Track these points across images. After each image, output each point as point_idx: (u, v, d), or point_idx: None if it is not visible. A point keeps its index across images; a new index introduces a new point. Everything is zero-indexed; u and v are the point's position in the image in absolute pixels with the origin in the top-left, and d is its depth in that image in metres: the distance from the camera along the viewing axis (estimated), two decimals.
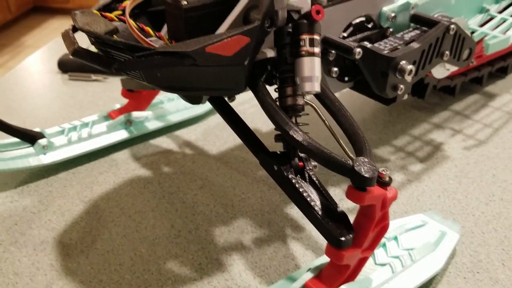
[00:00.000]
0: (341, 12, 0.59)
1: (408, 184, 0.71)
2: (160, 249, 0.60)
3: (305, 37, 0.49)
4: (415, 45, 0.60)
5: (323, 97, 0.54)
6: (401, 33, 0.64)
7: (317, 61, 0.49)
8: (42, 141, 0.71)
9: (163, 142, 0.81)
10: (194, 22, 0.52)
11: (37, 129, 0.73)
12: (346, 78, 0.64)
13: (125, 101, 0.84)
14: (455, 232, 0.57)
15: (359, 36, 0.62)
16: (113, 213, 0.66)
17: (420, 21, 0.65)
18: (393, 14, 0.63)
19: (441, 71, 0.70)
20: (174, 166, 0.75)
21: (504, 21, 0.76)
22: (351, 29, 0.61)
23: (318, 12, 0.48)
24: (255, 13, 0.50)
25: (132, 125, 0.79)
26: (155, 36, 0.53)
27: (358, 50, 0.55)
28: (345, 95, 0.94)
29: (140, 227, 0.63)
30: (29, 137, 0.72)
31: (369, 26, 0.63)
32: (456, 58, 0.66)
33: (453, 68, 0.70)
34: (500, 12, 0.78)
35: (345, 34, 0.61)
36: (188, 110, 0.86)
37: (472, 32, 0.75)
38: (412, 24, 0.66)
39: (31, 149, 0.72)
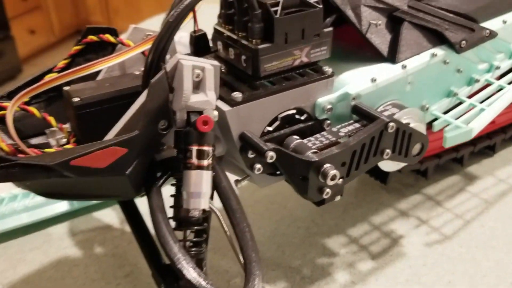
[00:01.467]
0: (264, 107, 0.54)
1: (350, 287, 0.64)
2: None
3: (193, 148, 0.45)
4: (345, 145, 0.54)
5: (225, 205, 0.49)
6: (339, 126, 0.59)
7: (205, 175, 0.45)
8: None
9: (107, 215, 0.78)
10: (88, 119, 0.49)
11: None
12: (278, 171, 0.59)
13: None
14: None
15: (288, 129, 0.57)
16: None
17: (360, 114, 0.59)
18: (329, 106, 0.58)
19: (391, 164, 0.64)
20: (107, 246, 0.71)
21: (473, 108, 0.68)
22: (277, 122, 0.56)
23: (205, 123, 0.43)
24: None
25: None
26: (57, 127, 0.50)
27: (271, 154, 0.50)
28: None
29: None
30: None
31: (302, 118, 0.58)
32: (402, 155, 0.60)
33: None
34: (471, 96, 0.71)
35: (270, 128, 0.56)
36: None
37: (435, 119, 0.68)
38: (354, 116, 0.61)
39: None
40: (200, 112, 0.48)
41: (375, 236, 0.72)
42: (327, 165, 0.53)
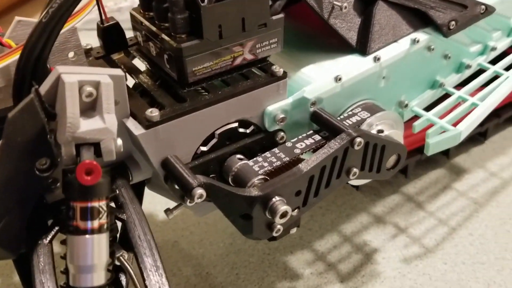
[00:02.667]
0: (193, 124, 0.42)
1: None
2: None
3: (76, 205, 0.33)
4: (299, 170, 0.42)
5: (139, 266, 0.38)
6: (294, 140, 0.46)
7: (96, 241, 0.33)
8: None
9: None
10: None
11: None
12: None
13: None
14: None
15: (229, 148, 0.45)
16: None
17: (320, 123, 0.47)
18: (282, 116, 0.46)
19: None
20: None
21: (462, 102, 0.57)
22: (214, 140, 0.44)
23: (88, 173, 0.31)
24: None
25: None
26: None
27: (199, 192, 0.38)
28: None
29: None
30: None
31: (247, 131, 0.46)
32: (374, 171, 0.48)
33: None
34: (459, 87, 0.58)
35: (204, 148, 0.44)
36: None
37: (414, 117, 0.56)
38: (314, 124, 0.49)
39: None
40: (95, 144, 0.35)
41: (346, 251, 0.62)
42: (276, 199, 0.41)
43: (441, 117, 0.54)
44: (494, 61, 0.61)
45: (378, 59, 0.49)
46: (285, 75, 0.45)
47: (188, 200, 0.39)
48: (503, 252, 0.61)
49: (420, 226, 0.65)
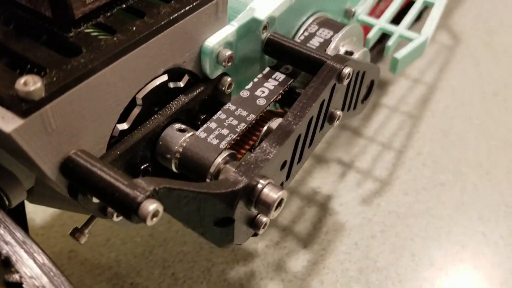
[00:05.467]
0: (100, 91, 0.24)
1: None
2: None
3: None
4: (286, 132, 0.28)
5: None
6: (250, 86, 0.31)
7: None
8: None
9: None
10: None
11: None
12: None
13: None
14: None
15: (162, 116, 0.28)
16: None
17: (280, 54, 0.32)
18: (228, 53, 0.29)
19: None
20: None
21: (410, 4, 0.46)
22: (137, 110, 0.27)
23: None
24: None
25: None
26: None
27: (153, 207, 0.21)
28: None
29: None
30: None
31: (181, 84, 0.29)
32: (352, 108, 0.36)
33: None
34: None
35: (124, 126, 0.27)
36: None
37: (382, 38, 0.44)
38: (267, 58, 0.34)
39: None
40: None
41: (295, 207, 0.50)
42: (262, 184, 0.26)
43: None
44: None
45: None
46: None
47: (135, 219, 0.22)
48: (457, 166, 0.54)
49: (365, 156, 0.56)
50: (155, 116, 0.28)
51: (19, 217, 0.28)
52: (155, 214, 0.22)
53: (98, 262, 0.46)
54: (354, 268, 0.45)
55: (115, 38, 0.24)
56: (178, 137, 0.28)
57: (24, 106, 0.20)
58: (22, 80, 0.20)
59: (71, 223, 0.49)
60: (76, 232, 0.30)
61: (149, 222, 0.22)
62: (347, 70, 0.30)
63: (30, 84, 0.20)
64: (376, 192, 0.52)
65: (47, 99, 0.21)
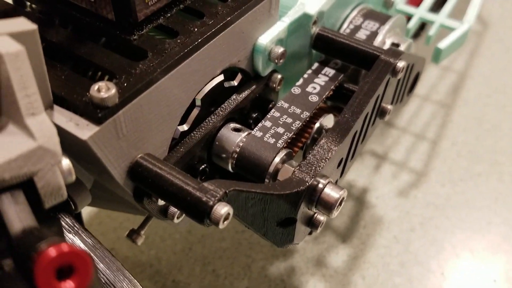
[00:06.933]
0: (166, 95, 0.24)
1: None
2: None
3: None
4: (345, 129, 0.27)
5: None
6: (300, 82, 0.31)
7: None
8: None
9: None
10: None
11: None
12: None
13: None
14: None
15: (218, 115, 0.28)
16: None
17: (330, 49, 0.31)
18: (281, 50, 0.29)
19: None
20: None
21: None
22: (196, 111, 0.27)
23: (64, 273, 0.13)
24: None
25: None
26: None
27: (225, 210, 0.21)
28: None
29: None
30: None
31: (235, 83, 0.29)
32: (399, 102, 0.35)
33: None
34: None
35: (184, 128, 0.26)
36: None
37: (422, 27, 0.44)
38: (314, 53, 0.33)
39: None
40: (24, 184, 0.16)
41: None
42: (323, 183, 0.26)
43: None
44: None
45: None
46: None
47: (207, 223, 0.22)
48: (493, 155, 0.54)
49: (398, 147, 0.55)
50: (212, 116, 0.28)
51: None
52: (226, 217, 0.22)
53: (139, 260, 0.46)
54: (395, 262, 0.45)
55: (178, 41, 0.24)
56: (235, 137, 0.28)
57: (99, 113, 0.20)
58: (96, 87, 0.20)
59: (108, 221, 0.49)
60: (133, 234, 0.30)
61: (221, 225, 0.22)
62: (401, 64, 0.30)
63: (104, 90, 0.20)
64: (412, 184, 0.51)
65: (120, 105, 0.21)
